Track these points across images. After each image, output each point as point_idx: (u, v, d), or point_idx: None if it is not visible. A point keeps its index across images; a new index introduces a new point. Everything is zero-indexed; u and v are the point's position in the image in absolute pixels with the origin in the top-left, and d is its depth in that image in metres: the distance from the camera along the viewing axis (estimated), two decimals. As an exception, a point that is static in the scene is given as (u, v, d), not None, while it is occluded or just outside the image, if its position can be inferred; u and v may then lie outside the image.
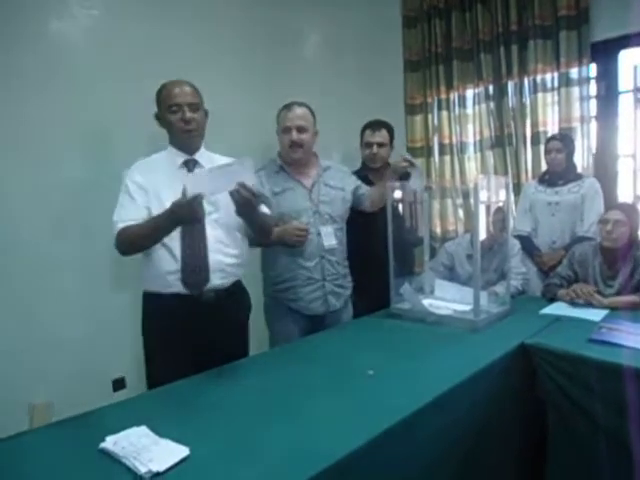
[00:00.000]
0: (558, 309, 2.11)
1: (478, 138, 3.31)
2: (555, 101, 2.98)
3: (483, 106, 3.26)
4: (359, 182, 2.32)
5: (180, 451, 1.05)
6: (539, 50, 2.97)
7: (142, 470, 0.98)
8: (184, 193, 1.47)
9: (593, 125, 2.93)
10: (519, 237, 2.66)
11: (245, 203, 1.50)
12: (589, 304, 2.08)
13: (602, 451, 1.53)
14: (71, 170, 2.12)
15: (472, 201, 2.05)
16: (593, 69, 2.91)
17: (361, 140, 2.65)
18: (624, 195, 2.92)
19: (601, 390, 1.51)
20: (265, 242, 1.97)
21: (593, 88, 2.92)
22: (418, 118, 3.57)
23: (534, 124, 3.05)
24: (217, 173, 1.47)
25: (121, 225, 1.61)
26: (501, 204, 2.26)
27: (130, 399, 1.43)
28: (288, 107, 2.08)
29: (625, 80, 2.89)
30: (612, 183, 2.91)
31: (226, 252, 1.71)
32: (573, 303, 2.13)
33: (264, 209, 1.77)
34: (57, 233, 2.10)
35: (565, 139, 2.66)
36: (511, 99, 3.13)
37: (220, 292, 1.71)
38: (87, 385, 2.10)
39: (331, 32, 3.15)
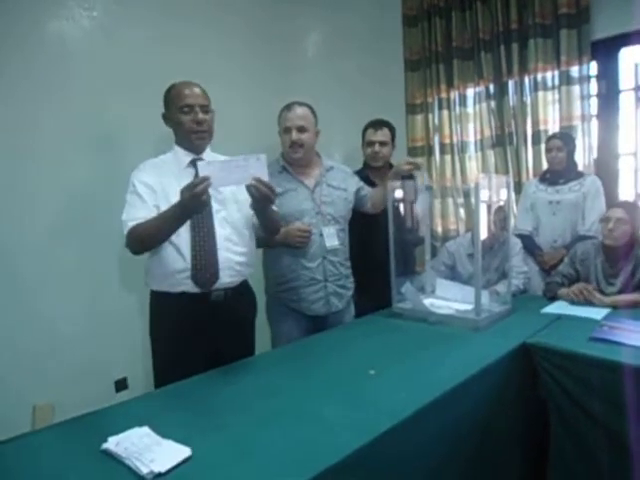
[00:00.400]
0: (559, 308, 2.11)
1: (479, 137, 3.31)
2: (556, 100, 2.98)
3: (484, 105, 3.25)
4: (361, 183, 2.31)
5: (182, 452, 1.05)
6: (539, 49, 2.97)
7: (144, 471, 0.98)
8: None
9: (594, 123, 2.92)
10: (520, 236, 2.65)
11: (263, 198, 1.49)
12: (590, 303, 2.08)
13: (603, 450, 1.53)
14: (76, 172, 2.11)
15: (473, 200, 2.05)
16: (594, 67, 2.90)
17: (363, 139, 2.65)
18: (625, 193, 2.91)
19: (602, 388, 1.51)
20: (270, 242, 1.98)
21: (594, 86, 2.91)
22: (419, 117, 3.57)
23: (535, 123, 3.04)
24: (229, 165, 1.45)
25: (131, 224, 1.59)
26: (502, 203, 2.26)
27: (132, 400, 1.43)
28: (289, 107, 2.08)
29: (626, 78, 2.88)
30: (613, 181, 2.90)
31: (235, 250, 1.70)
32: (574, 302, 2.13)
33: (274, 206, 1.77)
34: (62, 234, 2.10)
35: (566, 138, 2.66)
36: (512, 98, 3.12)
37: (229, 291, 1.71)
38: (89, 386, 2.10)
39: (332, 33, 3.15)
